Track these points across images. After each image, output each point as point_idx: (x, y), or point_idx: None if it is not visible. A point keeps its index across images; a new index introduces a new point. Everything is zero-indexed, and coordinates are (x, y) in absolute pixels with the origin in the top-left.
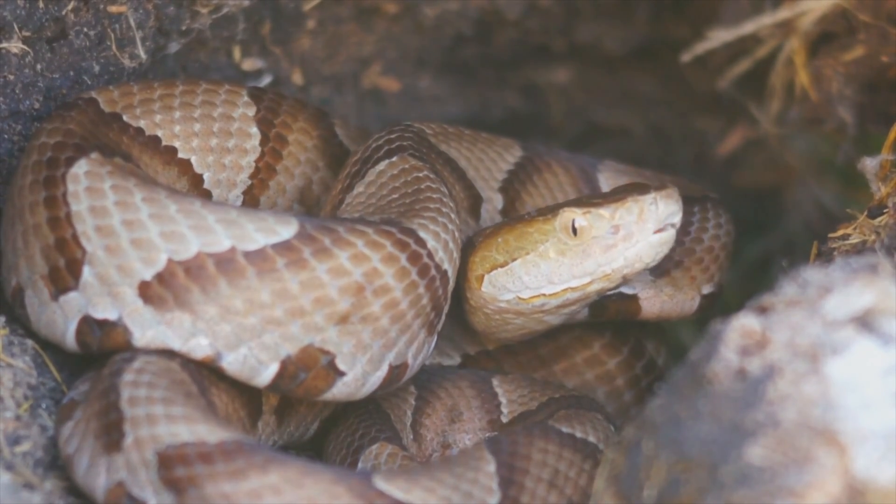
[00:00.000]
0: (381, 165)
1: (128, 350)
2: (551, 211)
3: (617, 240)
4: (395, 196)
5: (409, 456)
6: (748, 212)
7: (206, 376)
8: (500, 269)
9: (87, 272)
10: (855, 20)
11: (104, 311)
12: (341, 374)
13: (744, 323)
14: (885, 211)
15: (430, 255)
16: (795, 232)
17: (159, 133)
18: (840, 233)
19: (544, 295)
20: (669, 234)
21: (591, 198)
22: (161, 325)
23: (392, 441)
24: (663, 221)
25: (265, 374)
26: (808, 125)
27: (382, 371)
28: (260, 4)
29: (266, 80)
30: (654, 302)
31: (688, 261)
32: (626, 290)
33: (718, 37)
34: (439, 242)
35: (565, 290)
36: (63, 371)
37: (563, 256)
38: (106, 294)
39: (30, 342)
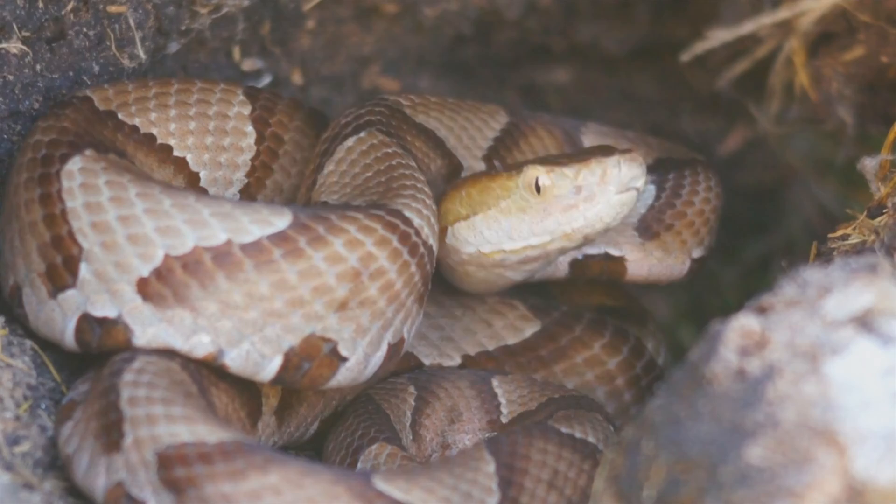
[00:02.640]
0: (350, 142)
1: (128, 349)
2: (516, 168)
3: (578, 200)
4: (368, 174)
5: (409, 456)
6: (748, 212)
7: (205, 376)
8: (462, 223)
9: (84, 269)
10: (855, 20)
11: (103, 309)
12: (344, 359)
13: (743, 323)
14: (884, 211)
15: (417, 233)
16: (795, 232)
17: (154, 131)
18: (840, 233)
19: (504, 251)
20: (630, 196)
21: (556, 157)
22: (162, 322)
23: (391, 441)
24: (626, 184)
25: (269, 368)
26: (807, 125)
27: (382, 351)
28: (260, 4)
29: (266, 81)
30: (642, 265)
31: (679, 224)
32: (612, 251)
33: (718, 37)
34: (423, 219)
35: (525, 247)
36: (62, 371)
37: (524, 213)
38: (104, 291)
39: (29, 342)
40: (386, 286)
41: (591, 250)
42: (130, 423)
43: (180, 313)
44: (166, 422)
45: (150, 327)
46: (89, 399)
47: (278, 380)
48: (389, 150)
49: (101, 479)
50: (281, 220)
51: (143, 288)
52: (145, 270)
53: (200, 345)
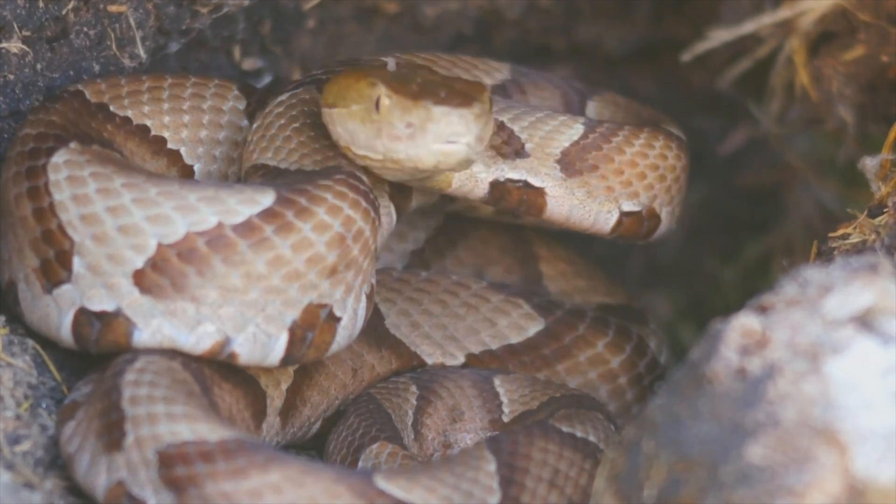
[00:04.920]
0: (283, 97)
1: (129, 344)
2: (381, 78)
3: (404, 134)
4: (292, 129)
5: (410, 455)
6: (748, 211)
7: (208, 377)
8: (326, 108)
9: (77, 263)
10: (855, 20)
11: (101, 303)
12: (338, 319)
13: (744, 322)
14: (885, 210)
15: (370, 190)
16: (795, 231)
17: (147, 122)
18: (840, 232)
19: (352, 150)
20: (453, 149)
21: (411, 81)
22: (164, 315)
23: (392, 440)
24: (445, 137)
25: (277, 348)
26: (808, 125)
27: (363, 302)
28: (260, 4)
29: (266, 80)
30: (563, 203)
31: (604, 168)
32: (533, 180)
33: (718, 36)
34: (368, 175)
35: (364, 156)
36: (63, 370)
37: (363, 125)
38: (100, 285)
39: (30, 342)
40: (364, 245)
41: (513, 174)
42: (132, 422)
43: (182, 305)
44: (167, 420)
45: (152, 320)
46: (91, 399)
47: (287, 358)
48: (315, 109)
49: (102, 478)
50: (265, 198)
51: (140, 280)
52: (139, 261)
53: (206, 335)
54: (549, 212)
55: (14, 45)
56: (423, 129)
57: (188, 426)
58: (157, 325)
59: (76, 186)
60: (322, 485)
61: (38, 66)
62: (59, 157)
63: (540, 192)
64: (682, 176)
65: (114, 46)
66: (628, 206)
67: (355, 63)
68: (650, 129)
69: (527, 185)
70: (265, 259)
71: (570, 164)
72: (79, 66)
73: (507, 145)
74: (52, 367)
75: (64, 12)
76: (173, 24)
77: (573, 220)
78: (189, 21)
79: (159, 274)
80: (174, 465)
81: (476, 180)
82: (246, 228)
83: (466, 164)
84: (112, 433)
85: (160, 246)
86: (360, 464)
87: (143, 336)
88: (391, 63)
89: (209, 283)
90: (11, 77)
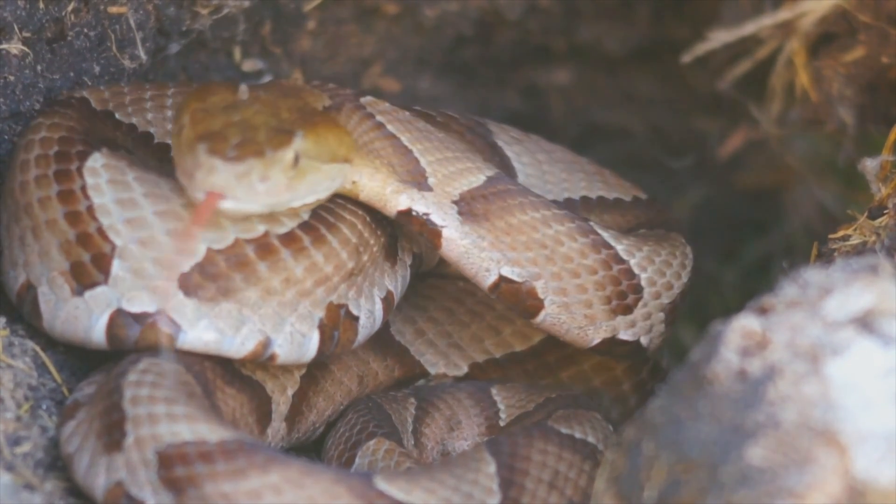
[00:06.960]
0: None
1: (173, 346)
2: (195, 104)
3: (186, 171)
4: None
5: (406, 453)
6: (748, 212)
7: (211, 380)
8: None
9: (117, 266)
10: (855, 21)
11: (141, 305)
12: (356, 318)
13: (744, 324)
14: (885, 212)
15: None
16: (796, 233)
17: (151, 130)
18: (840, 234)
19: None
20: (229, 207)
21: (225, 115)
22: (208, 317)
23: (390, 437)
24: (209, 188)
25: (311, 346)
26: (808, 126)
27: (378, 304)
28: (260, 5)
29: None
30: (454, 246)
31: (492, 221)
32: (435, 216)
33: (719, 37)
34: None
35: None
36: (63, 372)
37: (175, 145)
38: (142, 288)
39: (30, 343)
40: (371, 254)
41: (419, 206)
42: (132, 422)
43: (226, 306)
44: (168, 421)
45: (198, 322)
46: (93, 400)
47: (319, 355)
48: None
49: (101, 478)
50: (304, 212)
51: (185, 283)
52: (186, 265)
53: (250, 335)
54: (444, 251)
55: (14, 47)
56: (191, 175)
57: (188, 426)
58: (203, 327)
59: (120, 190)
60: (322, 486)
61: (39, 68)
62: (94, 162)
63: (438, 230)
64: (583, 274)
65: (114, 48)
66: (506, 272)
67: (226, 81)
68: (564, 214)
69: (430, 220)
70: (304, 266)
71: (466, 206)
72: (79, 67)
73: (409, 173)
74: (52, 369)
75: (64, 14)
76: (173, 25)
77: (460, 265)
78: (189, 22)
79: (205, 278)
80: (174, 466)
81: (385, 201)
82: (289, 238)
83: (257, 213)
84: (112, 433)
85: (209, 251)
86: (357, 460)
87: (188, 337)
88: (242, 89)
89: (252, 286)
90: (11, 78)
